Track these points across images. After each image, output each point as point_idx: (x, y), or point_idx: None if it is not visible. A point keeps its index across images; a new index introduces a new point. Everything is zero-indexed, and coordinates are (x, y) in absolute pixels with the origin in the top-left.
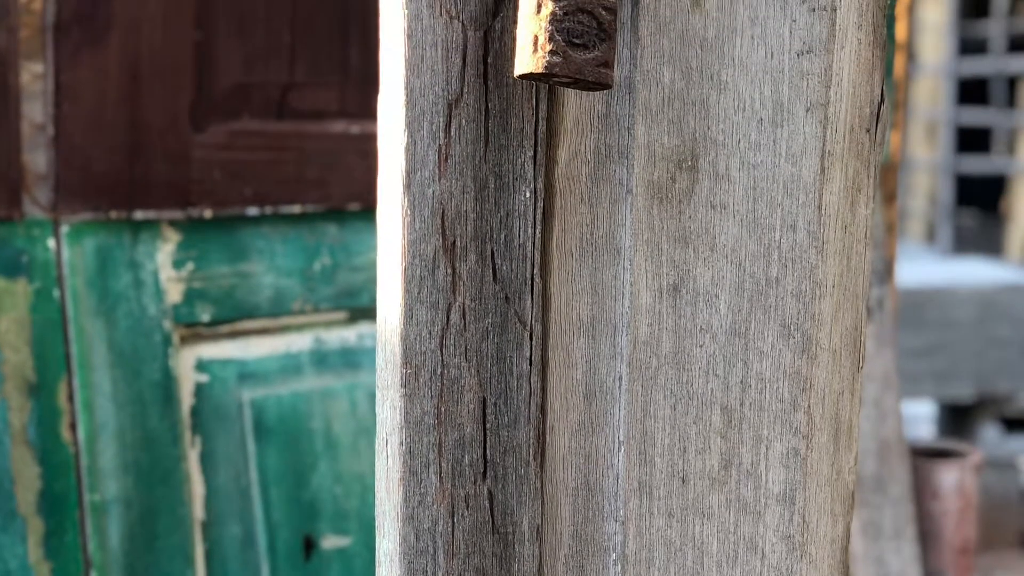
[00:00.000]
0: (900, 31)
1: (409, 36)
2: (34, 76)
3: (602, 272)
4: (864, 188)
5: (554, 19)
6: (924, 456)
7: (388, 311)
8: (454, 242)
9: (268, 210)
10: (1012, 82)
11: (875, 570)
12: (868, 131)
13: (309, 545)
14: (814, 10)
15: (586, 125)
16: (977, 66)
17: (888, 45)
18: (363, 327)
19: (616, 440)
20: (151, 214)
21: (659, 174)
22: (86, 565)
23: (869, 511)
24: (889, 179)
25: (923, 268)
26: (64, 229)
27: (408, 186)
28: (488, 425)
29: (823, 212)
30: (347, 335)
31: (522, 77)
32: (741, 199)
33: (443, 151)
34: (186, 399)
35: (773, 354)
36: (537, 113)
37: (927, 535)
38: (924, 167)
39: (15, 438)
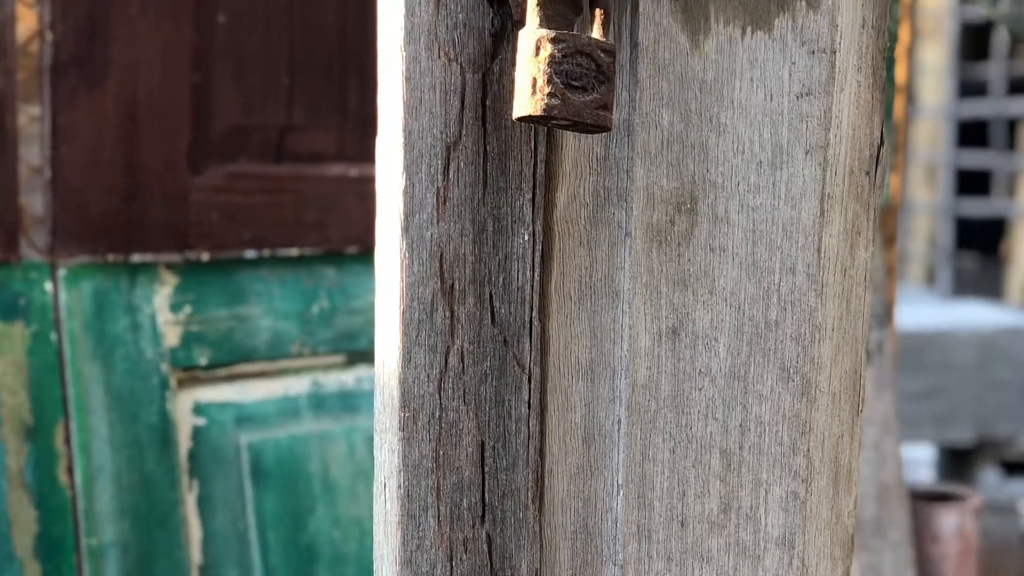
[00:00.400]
0: (900, 73)
1: (407, 78)
2: (31, 118)
3: (601, 315)
4: (864, 231)
5: (552, 61)
6: (924, 500)
7: (386, 354)
8: (452, 285)
9: (266, 253)
10: (1012, 124)
11: None
12: (868, 174)
13: None
14: (813, 52)
15: (585, 168)
16: (977, 108)
17: (888, 87)
18: (361, 370)
19: (615, 484)
20: (148, 257)
21: (658, 217)
22: None
23: (869, 555)
24: (889, 222)
25: (923, 311)
26: (61, 272)
27: (406, 229)
28: (487, 468)
29: (822, 255)
30: (345, 378)
31: (520, 120)
32: (740, 242)
33: (441, 194)
34: (183, 442)
35: (772, 397)
36: (536, 156)
37: None
38: (924, 210)
39: (12, 481)
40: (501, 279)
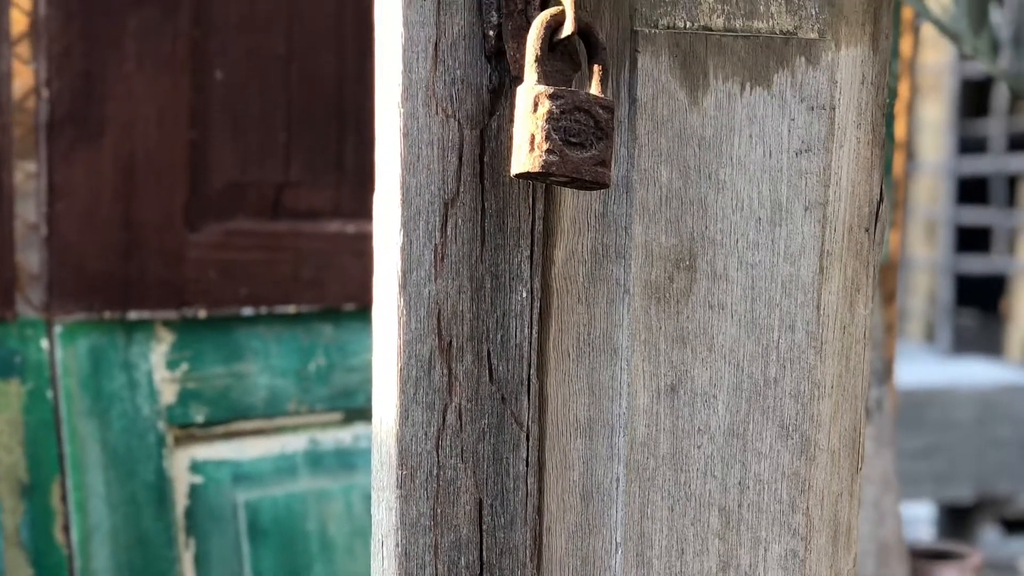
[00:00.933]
0: (899, 129)
1: (405, 135)
2: (27, 175)
3: (599, 372)
4: (863, 288)
5: (551, 118)
6: (924, 558)
7: (384, 412)
8: (450, 342)
9: (263, 310)
10: (1012, 181)
11: None
12: (867, 230)
13: None
14: (812, 109)
15: (583, 224)
16: (977, 165)
17: (887, 144)
18: (359, 428)
19: (613, 541)
20: (145, 314)
21: (657, 274)
22: None
23: None
24: (888, 279)
25: (922, 368)
26: (58, 329)
27: (404, 286)
28: (484, 526)
29: (822, 312)
30: (342, 436)
31: (519, 176)
32: (739, 299)
33: (439, 251)
34: (180, 500)
35: (772, 455)
36: (534, 212)
37: None
38: (924, 266)
39: (8, 539)
40: (499, 336)
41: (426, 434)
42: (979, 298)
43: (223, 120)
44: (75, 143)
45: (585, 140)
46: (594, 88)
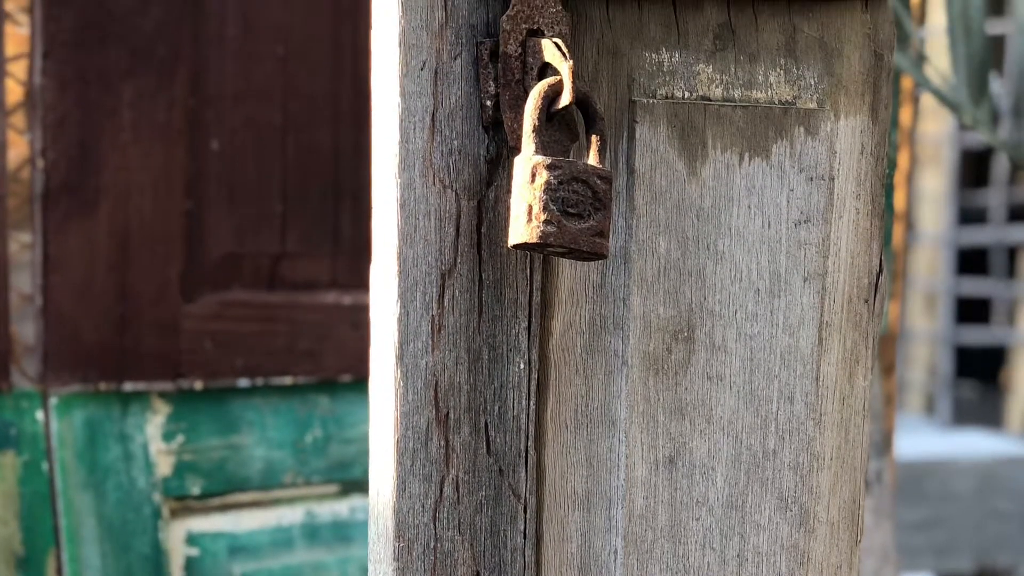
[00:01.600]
0: (899, 200)
1: (402, 206)
2: (22, 246)
3: (597, 444)
4: (862, 359)
5: (548, 188)
6: None
7: (381, 484)
8: (447, 414)
9: (259, 381)
10: (1012, 252)
11: None
12: (866, 301)
13: None
14: (812, 179)
15: (581, 296)
16: (977, 236)
17: (887, 214)
18: (355, 500)
19: None
20: (141, 385)
21: (655, 345)
22: None
23: None
24: (888, 350)
25: (922, 440)
26: (53, 401)
27: (401, 357)
28: None
29: (821, 384)
30: (339, 508)
31: (516, 247)
32: (738, 370)
33: (436, 322)
34: (176, 573)
35: (770, 527)
36: (531, 283)
37: None
38: (923, 338)
39: None
40: (496, 408)
41: (423, 506)
42: (979, 369)
43: (219, 190)
44: (70, 213)
45: (583, 210)
46: (592, 158)
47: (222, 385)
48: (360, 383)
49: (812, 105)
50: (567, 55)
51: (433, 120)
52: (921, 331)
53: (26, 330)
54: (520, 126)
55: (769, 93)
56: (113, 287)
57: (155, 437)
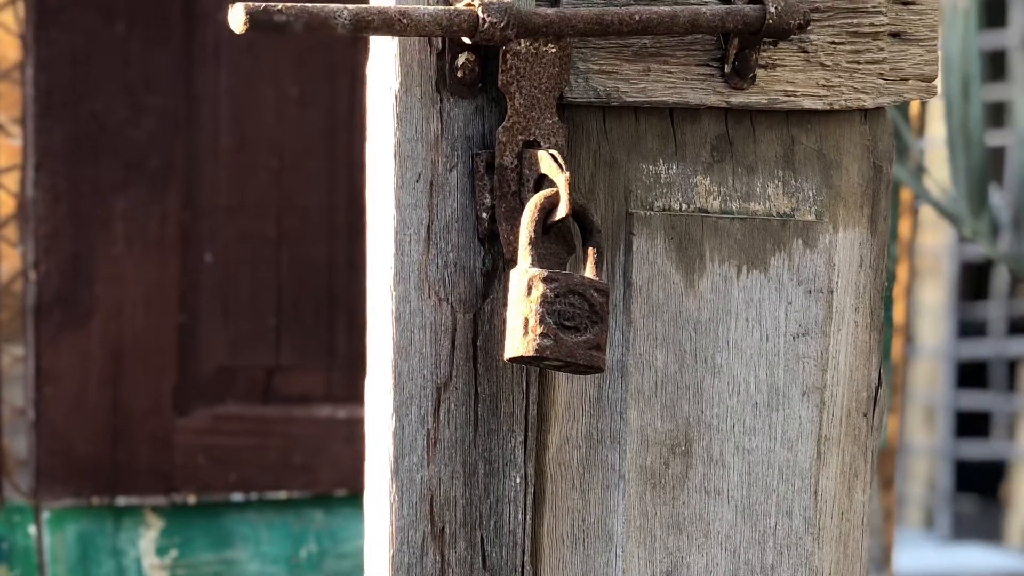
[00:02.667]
0: (898, 313)
1: (397, 319)
2: (15, 359)
3: (594, 559)
4: (861, 473)
5: (545, 301)
6: None
7: None
8: (443, 528)
9: (253, 496)
10: (1012, 365)
11: None
12: (865, 415)
13: None
14: (810, 292)
15: (577, 409)
16: (976, 349)
17: (886, 327)
18: None
19: None
20: (134, 500)
21: (652, 459)
22: None
23: None
24: (887, 464)
25: (921, 555)
26: (45, 515)
27: (396, 472)
28: None
29: (819, 498)
30: None
31: (512, 360)
32: (736, 485)
33: (432, 436)
34: None
35: None
36: (528, 397)
37: None
38: (922, 452)
39: None
40: (492, 522)
41: None
42: (979, 484)
43: (213, 303)
44: (63, 326)
45: (580, 324)
46: (589, 271)
47: (216, 499)
48: (355, 497)
49: (810, 217)
50: (563, 167)
51: (428, 232)
52: (920, 445)
53: (18, 444)
54: (516, 238)
55: (767, 205)
56: (106, 400)
57: (148, 552)
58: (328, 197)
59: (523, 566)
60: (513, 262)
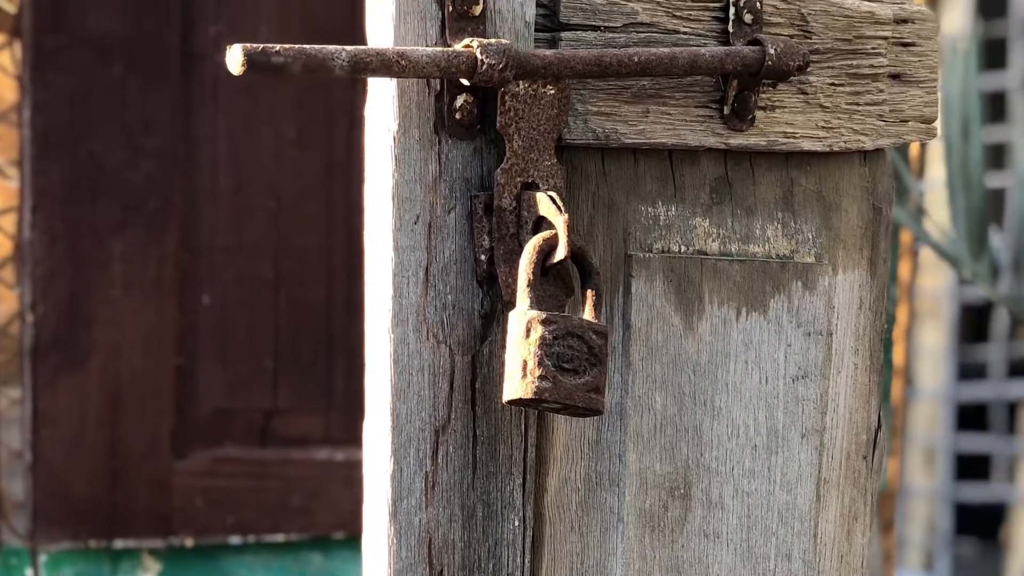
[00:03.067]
0: (898, 355)
1: (395, 361)
2: (11, 401)
3: None
4: (861, 516)
5: (543, 343)
6: None
7: None
8: (441, 571)
9: (251, 539)
10: (1012, 408)
11: None
12: (865, 458)
13: None
14: (810, 334)
15: (576, 452)
16: (976, 391)
17: (885, 369)
18: None
19: None
20: (131, 543)
21: (651, 502)
22: None
23: None
24: (886, 507)
25: None
26: (42, 558)
27: (394, 514)
28: None
29: (819, 541)
30: None
31: (511, 403)
32: (735, 528)
33: (430, 478)
34: None
35: None
36: (526, 439)
37: None
38: (922, 494)
39: None
40: (491, 565)
41: None
42: (979, 527)
43: (210, 345)
44: (60, 369)
45: (578, 366)
46: (587, 313)
47: (213, 542)
48: (353, 540)
49: (810, 259)
50: (562, 209)
51: (427, 274)
52: (920, 488)
53: (15, 486)
54: (515, 280)
55: (766, 247)
56: (103, 443)
57: None
58: (326, 239)
59: None
60: (512, 304)
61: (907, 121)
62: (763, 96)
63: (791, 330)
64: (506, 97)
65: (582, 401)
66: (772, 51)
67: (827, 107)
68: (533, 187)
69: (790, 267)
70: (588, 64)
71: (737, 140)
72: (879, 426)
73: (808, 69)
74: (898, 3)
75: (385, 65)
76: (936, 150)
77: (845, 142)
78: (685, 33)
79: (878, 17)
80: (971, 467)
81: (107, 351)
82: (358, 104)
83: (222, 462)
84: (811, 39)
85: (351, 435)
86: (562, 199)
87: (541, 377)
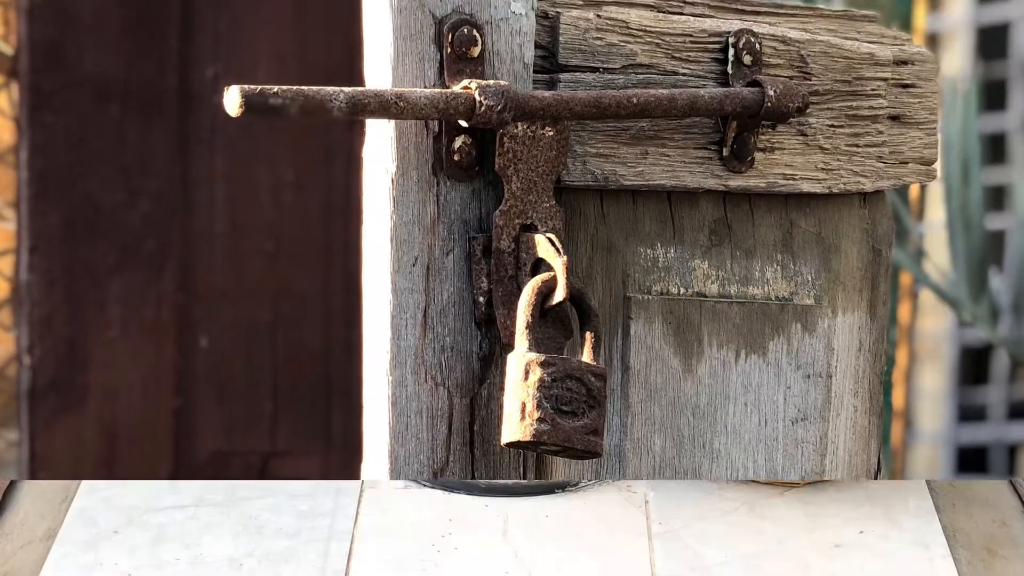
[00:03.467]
0: (897, 398)
1: (393, 403)
2: (8, 444)
3: None
4: None
5: (542, 386)
6: None
7: None
8: None
9: None
10: (1012, 450)
11: None
12: None
13: None
14: (809, 377)
15: None
16: (976, 434)
17: (885, 412)
18: None
19: None
20: None
21: None
22: None
23: None
24: None
25: None
26: None
27: None
28: None
29: None
30: None
31: (509, 445)
32: None
33: None
34: None
35: None
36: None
37: None
38: None
39: None
40: None
41: None
42: None
43: (208, 387)
44: (57, 411)
45: (577, 408)
46: (586, 355)
47: None
48: None
49: (809, 301)
50: (561, 251)
51: (425, 317)
52: None
53: None
54: (513, 323)
55: (766, 289)
56: None
57: None
58: (324, 281)
59: None
60: (510, 346)
61: (907, 163)
62: (762, 137)
63: (790, 372)
64: (505, 139)
65: (581, 443)
66: (771, 92)
67: (827, 149)
68: (532, 229)
69: (789, 309)
70: (587, 105)
71: (736, 182)
72: (879, 469)
73: (808, 111)
74: (898, 44)
75: (383, 107)
76: (936, 192)
77: (845, 184)
78: (684, 74)
79: (878, 59)
80: None
81: (104, 393)
82: (356, 145)
83: None
84: (811, 80)
85: (349, 477)
86: (561, 241)
87: (540, 419)
